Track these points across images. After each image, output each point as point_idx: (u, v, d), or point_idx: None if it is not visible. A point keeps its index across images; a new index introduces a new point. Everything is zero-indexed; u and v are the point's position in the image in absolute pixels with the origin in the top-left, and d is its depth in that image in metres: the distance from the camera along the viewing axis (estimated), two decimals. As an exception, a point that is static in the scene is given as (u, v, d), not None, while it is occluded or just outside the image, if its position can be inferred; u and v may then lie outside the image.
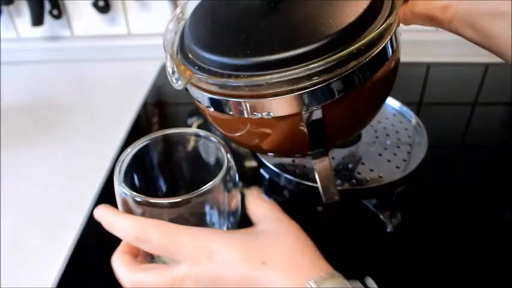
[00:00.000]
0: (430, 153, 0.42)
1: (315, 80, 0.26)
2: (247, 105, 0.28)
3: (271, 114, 0.28)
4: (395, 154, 0.44)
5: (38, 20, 0.75)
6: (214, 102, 0.30)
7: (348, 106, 0.29)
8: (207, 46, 0.29)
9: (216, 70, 0.28)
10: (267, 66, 0.26)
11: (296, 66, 0.25)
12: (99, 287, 0.40)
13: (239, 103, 0.28)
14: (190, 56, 0.30)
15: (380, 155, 0.44)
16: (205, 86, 0.29)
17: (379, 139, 0.46)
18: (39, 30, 0.79)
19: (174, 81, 0.29)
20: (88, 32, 0.80)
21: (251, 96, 0.27)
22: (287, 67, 0.26)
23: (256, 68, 0.26)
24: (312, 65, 0.25)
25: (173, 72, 0.29)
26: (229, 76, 0.27)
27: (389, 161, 0.43)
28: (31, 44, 0.81)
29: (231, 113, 0.29)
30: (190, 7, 0.34)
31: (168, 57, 0.30)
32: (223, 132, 0.34)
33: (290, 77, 0.25)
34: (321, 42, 0.26)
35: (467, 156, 0.55)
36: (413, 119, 0.48)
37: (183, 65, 0.30)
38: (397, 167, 0.42)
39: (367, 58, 0.26)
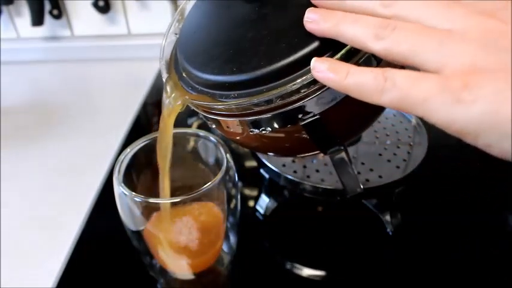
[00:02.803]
0: (430, 153, 0.42)
1: (306, 91, 0.24)
2: (243, 123, 0.27)
3: (269, 129, 0.27)
4: (395, 154, 0.44)
5: (38, 20, 0.75)
6: (211, 120, 0.30)
7: (350, 107, 0.27)
8: (197, 65, 0.28)
9: (208, 90, 0.27)
10: (256, 83, 0.25)
11: (286, 79, 0.24)
12: (99, 287, 0.40)
13: (235, 121, 0.28)
14: (184, 74, 0.29)
15: (380, 155, 0.44)
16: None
17: (379, 139, 0.46)
18: (39, 30, 0.79)
19: (172, 102, 0.29)
20: (88, 32, 0.80)
21: (245, 115, 0.27)
22: (277, 81, 0.25)
23: (245, 85, 0.25)
24: (304, 77, 0.24)
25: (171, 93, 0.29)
26: (221, 96, 0.27)
27: (389, 161, 0.43)
28: (31, 44, 0.81)
29: (231, 130, 0.29)
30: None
31: (165, 77, 0.30)
32: (225, 137, 0.34)
33: (280, 93, 0.24)
34: (308, 49, 0.24)
35: (467, 156, 0.55)
36: (414, 119, 0.48)
37: (180, 87, 0.29)
38: (397, 167, 0.42)
39: (361, 58, 0.24)
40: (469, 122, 0.18)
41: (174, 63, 0.31)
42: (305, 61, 0.24)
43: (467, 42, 0.19)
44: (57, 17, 0.76)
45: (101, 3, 0.74)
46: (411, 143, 0.45)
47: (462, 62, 0.19)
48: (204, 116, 0.30)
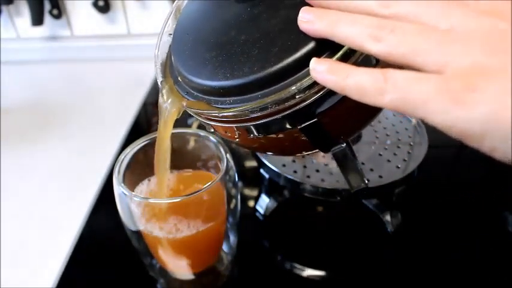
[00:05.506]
0: (430, 153, 0.42)
1: (302, 96, 0.24)
2: (240, 129, 0.27)
3: (266, 134, 0.27)
4: (395, 154, 0.44)
5: (38, 20, 0.75)
6: (209, 125, 0.29)
7: (348, 107, 0.27)
8: (191, 69, 0.28)
9: (203, 96, 0.27)
10: (250, 89, 0.25)
11: (281, 85, 0.24)
12: (99, 287, 0.40)
13: (230, 128, 0.28)
14: (179, 78, 0.29)
15: (380, 155, 0.44)
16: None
17: (379, 139, 0.46)
18: (39, 30, 0.79)
19: (169, 107, 0.29)
20: (88, 32, 0.80)
21: (241, 121, 0.26)
22: (272, 86, 0.24)
23: (239, 91, 0.25)
24: (299, 83, 0.23)
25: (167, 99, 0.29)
26: (216, 102, 0.26)
27: (389, 161, 0.43)
28: (31, 44, 0.81)
29: (228, 134, 0.29)
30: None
31: (160, 80, 0.30)
32: (224, 138, 0.34)
33: (275, 101, 0.24)
34: (302, 53, 0.23)
35: (467, 156, 0.55)
36: (414, 118, 0.48)
37: (176, 92, 0.29)
38: (397, 167, 0.42)
39: (359, 57, 0.23)
40: (470, 125, 0.18)
41: (169, 66, 0.31)
42: (299, 65, 0.23)
43: (468, 42, 0.19)
44: (57, 16, 0.76)
45: (101, 3, 0.74)
46: (411, 143, 0.45)
47: (463, 63, 0.18)
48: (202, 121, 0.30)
